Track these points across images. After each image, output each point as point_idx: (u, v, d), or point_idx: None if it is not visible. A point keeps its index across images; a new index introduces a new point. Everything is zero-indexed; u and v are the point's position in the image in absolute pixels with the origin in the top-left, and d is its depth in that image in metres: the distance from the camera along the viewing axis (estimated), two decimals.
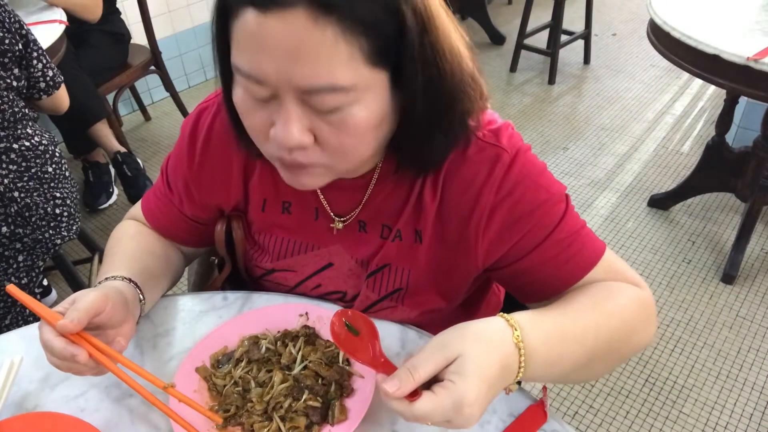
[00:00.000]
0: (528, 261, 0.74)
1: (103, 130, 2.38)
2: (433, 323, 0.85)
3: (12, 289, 0.69)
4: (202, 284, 1.04)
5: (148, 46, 2.64)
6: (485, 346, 0.58)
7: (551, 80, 3.29)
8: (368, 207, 0.78)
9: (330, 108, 0.57)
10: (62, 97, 1.62)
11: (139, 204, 0.92)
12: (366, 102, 0.58)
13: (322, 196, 0.80)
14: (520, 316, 0.62)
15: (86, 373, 0.67)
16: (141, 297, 0.78)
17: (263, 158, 0.74)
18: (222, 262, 0.93)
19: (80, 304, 0.67)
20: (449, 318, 0.90)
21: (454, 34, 0.62)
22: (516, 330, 0.60)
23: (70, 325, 0.65)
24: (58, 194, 1.49)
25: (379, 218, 0.78)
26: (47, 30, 1.87)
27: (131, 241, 0.87)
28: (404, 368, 0.57)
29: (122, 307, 0.71)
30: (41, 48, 1.48)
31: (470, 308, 0.94)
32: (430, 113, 0.63)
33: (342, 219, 0.80)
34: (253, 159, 0.79)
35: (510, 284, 0.80)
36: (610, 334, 0.68)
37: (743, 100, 2.34)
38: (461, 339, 0.58)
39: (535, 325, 0.62)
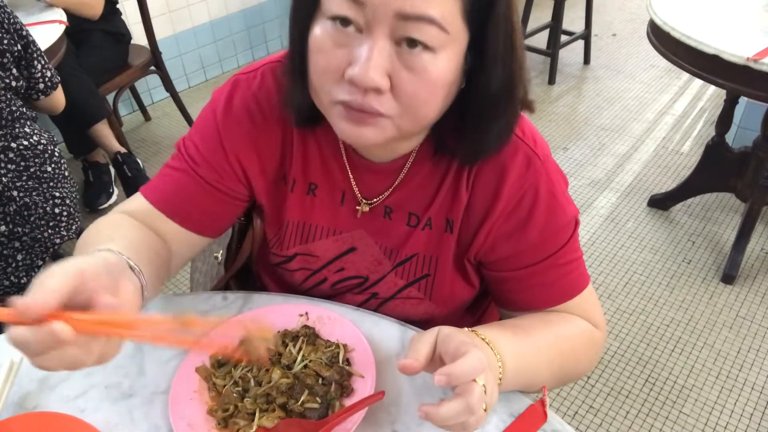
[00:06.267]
0: (518, 273, 0.76)
1: (103, 130, 2.38)
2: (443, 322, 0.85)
3: None
4: (207, 283, 1.03)
5: (148, 46, 2.64)
6: (484, 349, 0.64)
7: (551, 80, 3.29)
8: (397, 192, 0.78)
9: (420, 40, 0.57)
10: (59, 98, 1.63)
11: (129, 200, 0.83)
12: (448, 55, 0.59)
13: (352, 178, 0.79)
14: (487, 332, 0.67)
15: (86, 360, 0.51)
16: (134, 266, 0.63)
17: (295, 137, 0.76)
18: (227, 258, 0.93)
19: (47, 284, 0.49)
20: (456, 322, 0.90)
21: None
22: (488, 341, 0.66)
23: (33, 306, 0.47)
24: (57, 194, 1.49)
25: (406, 206, 0.78)
26: (47, 30, 1.87)
27: (123, 228, 0.75)
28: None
29: (105, 274, 0.54)
30: (40, 49, 1.49)
31: (475, 313, 0.94)
32: (491, 92, 0.63)
33: (369, 202, 0.80)
34: (290, 135, 0.77)
35: (490, 284, 0.82)
36: (561, 355, 0.74)
37: (743, 100, 2.34)
38: (469, 338, 0.63)
39: (505, 339, 0.68)
